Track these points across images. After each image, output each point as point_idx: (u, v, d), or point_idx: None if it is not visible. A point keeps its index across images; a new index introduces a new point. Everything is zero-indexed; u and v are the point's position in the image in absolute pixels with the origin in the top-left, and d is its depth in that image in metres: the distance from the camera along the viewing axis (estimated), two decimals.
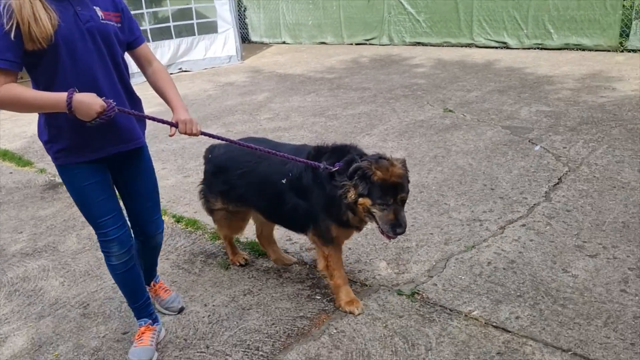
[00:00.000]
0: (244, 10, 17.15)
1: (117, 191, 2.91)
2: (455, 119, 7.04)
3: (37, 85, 2.52)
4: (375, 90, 9.11)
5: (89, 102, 2.41)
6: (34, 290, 3.82)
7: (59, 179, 5.41)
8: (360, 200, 2.89)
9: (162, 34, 12.50)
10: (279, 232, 4.08)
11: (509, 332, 2.98)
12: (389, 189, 2.86)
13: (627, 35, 10.24)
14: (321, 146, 3.25)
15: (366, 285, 3.53)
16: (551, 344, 2.85)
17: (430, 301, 3.31)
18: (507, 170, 5.21)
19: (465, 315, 3.15)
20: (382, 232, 2.94)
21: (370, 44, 14.32)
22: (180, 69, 12.70)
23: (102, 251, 2.89)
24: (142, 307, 3.09)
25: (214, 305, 3.46)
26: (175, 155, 6.51)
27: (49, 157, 2.73)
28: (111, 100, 2.50)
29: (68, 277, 3.95)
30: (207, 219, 4.56)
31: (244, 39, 16.66)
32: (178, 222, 4.67)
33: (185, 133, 2.76)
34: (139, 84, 3.06)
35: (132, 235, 2.97)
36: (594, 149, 5.54)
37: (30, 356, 3.13)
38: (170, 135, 2.81)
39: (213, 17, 13.22)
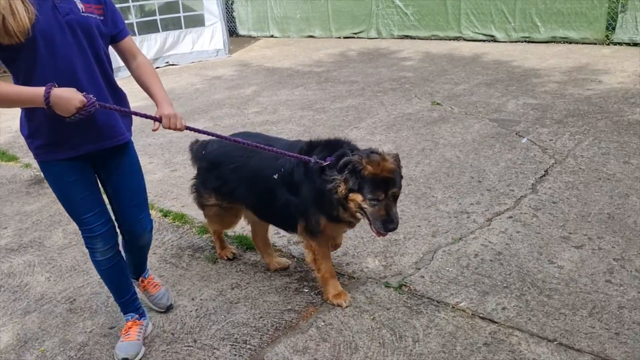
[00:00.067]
0: (232, 4, 17.05)
1: (102, 188, 2.87)
2: (443, 112, 7.06)
3: (17, 80, 2.46)
4: (363, 83, 9.10)
5: (68, 97, 2.34)
6: (19, 285, 3.79)
7: None
8: (351, 195, 2.84)
9: (149, 28, 12.39)
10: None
11: (496, 323, 3.00)
12: (380, 184, 2.80)
13: (614, 29, 10.32)
14: (314, 141, 3.20)
15: (354, 278, 3.54)
16: (537, 334, 2.87)
17: (417, 293, 3.32)
18: (494, 162, 5.23)
19: (453, 307, 3.16)
20: (373, 229, 2.89)
21: (358, 38, 14.30)
22: (167, 62, 12.60)
23: (87, 247, 2.87)
24: (128, 302, 3.07)
25: (201, 299, 3.45)
26: (162, 150, 6.48)
27: None
28: (91, 96, 2.43)
29: (54, 273, 3.92)
30: (194, 213, 4.55)
31: (232, 32, 16.58)
32: (165, 216, 4.65)
33: (169, 128, 2.70)
34: (125, 78, 3.02)
35: (117, 231, 2.94)
36: (580, 141, 5.58)
37: (15, 352, 3.11)
38: (154, 130, 2.74)
39: (200, 11, 13.13)
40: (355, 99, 8.10)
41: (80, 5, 2.49)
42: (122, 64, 2.86)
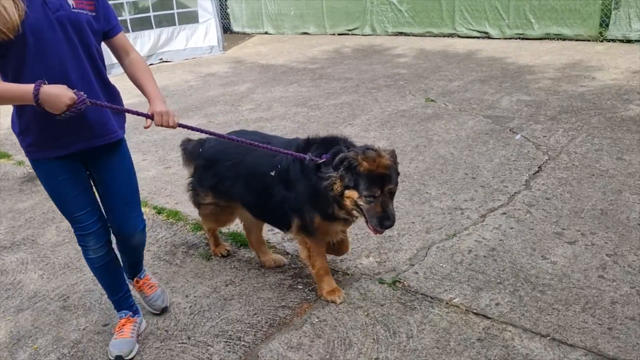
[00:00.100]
0: (226, 0, 16.99)
1: (93, 187, 2.85)
2: (437, 109, 7.07)
3: (6, 77, 2.43)
4: (357, 80, 9.10)
5: (58, 94, 2.31)
6: (12, 283, 3.77)
7: None
8: (347, 192, 2.81)
9: (142, 24, 12.33)
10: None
11: (489, 318, 3.01)
12: (376, 181, 2.77)
13: (607, 25, 10.34)
14: (311, 138, 3.16)
15: (348, 274, 3.54)
16: (530, 329, 2.88)
17: (411, 289, 3.32)
18: (488, 159, 5.24)
19: (446, 303, 3.17)
20: (370, 226, 2.86)
21: (352, 34, 14.29)
22: (160, 59, 12.55)
23: (79, 245, 2.86)
24: (122, 299, 3.07)
25: (195, 296, 3.44)
26: (156, 147, 6.46)
27: None
28: (82, 93, 2.40)
29: (47, 270, 3.90)
30: (188, 210, 4.54)
31: (226, 29, 16.53)
32: (159, 213, 4.64)
33: (162, 125, 2.66)
34: (118, 75, 3.00)
35: (110, 229, 2.92)
36: (574, 137, 5.60)
37: (9, 350, 3.10)
38: (146, 127, 2.70)
39: (194, 7, 13.08)
40: (350, 96, 8.10)
41: (71, 1, 2.46)
42: (115, 60, 2.83)
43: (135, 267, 3.24)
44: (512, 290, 3.22)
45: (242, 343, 2.98)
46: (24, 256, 4.12)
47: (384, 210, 2.79)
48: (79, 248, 2.90)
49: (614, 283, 3.22)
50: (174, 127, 2.70)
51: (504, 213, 4.16)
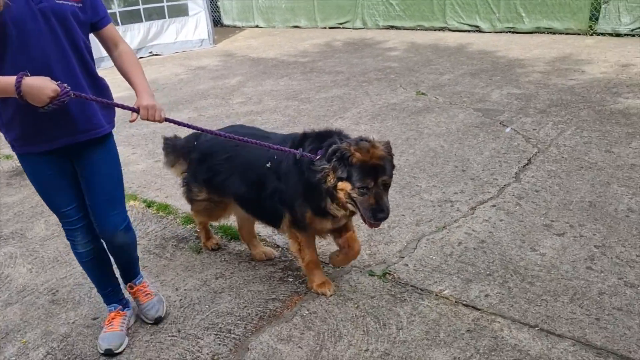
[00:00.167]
0: None
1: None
2: (428, 102, 7.07)
3: None
4: (348, 73, 9.09)
5: (40, 85, 2.27)
6: (0, 277, 3.74)
7: None
8: (340, 184, 2.75)
9: (132, 17, 12.25)
10: None
11: (479, 309, 3.02)
12: (369, 172, 2.70)
13: (597, 19, 10.39)
14: (308, 132, 3.10)
15: (338, 267, 3.54)
16: (519, 320, 2.90)
17: (401, 281, 3.33)
18: (478, 152, 5.26)
19: (436, 295, 3.18)
20: (365, 220, 2.80)
21: (343, 28, 14.26)
22: (150, 52, 12.48)
23: (67, 239, 2.85)
24: (111, 293, 3.06)
25: (185, 290, 3.43)
26: (146, 140, 6.42)
27: None
28: (65, 85, 2.35)
29: (36, 264, 3.88)
30: (178, 204, 4.52)
31: (216, 22, 16.45)
32: (149, 207, 4.62)
33: (147, 119, 2.61)
34: (108, 69, 2.96)
35: None
36: (563, 130, 5.63)
37: None
38: (131, 121, 2.65)
39: (184, 0, 12.99)
40: (340, 89, 8.09)
41: None
42: (105, 53, 2.78)
43: (127, 270, 3.11)
44: (501, 282, 3.24)
45: (232, 335, 2.98)
46: (12, 250, 4.09)
47: (378, 202, 2.72)
48: (68, 242, 2.89)
49: (602, 274, 3.24)
50: (160, 122, 2.67)
51: (494, 205, 4.18)
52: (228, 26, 16.88)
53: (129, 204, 4.66)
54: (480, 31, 11.87)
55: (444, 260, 3.51)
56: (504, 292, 3.14)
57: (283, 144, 3.08)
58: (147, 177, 5.30)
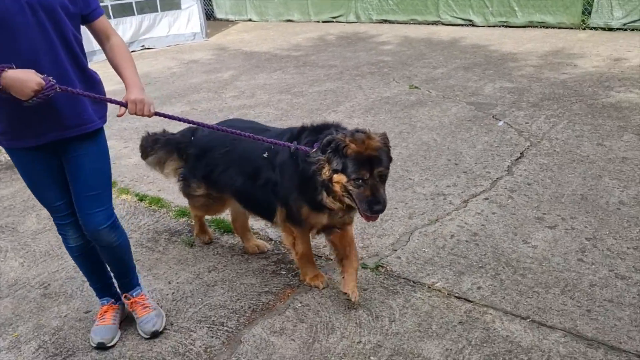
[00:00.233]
0: None
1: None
2: (421, 96, 7.08)
3: None
4: (341, 67, 9.07)
5: (23, 78, 2.22)
6: None
7: None
8: (335, 177, 2.70)
9: (124, 11, 12.17)
10: None
11: (471, 302, 3.03)
12: (365, 163, 2.65)
13: (589, 13, 10.41)
14: (305, 126, 3.06)
15: (331, 260, 3.53)
16: (510, 312, 2.92)
17: (394, 274, 3.34)
18: (471, 145, 5.27)
19: (429, 287, 3.19)
20: (361, 213, 2.74)
21: (337, 22, 14.23)
22: (142, 46, 12.41)
23: (59, 233, 2.83)
24: (103, 286, 3.04)
25: (178, 283, 3.43)
26: (138, 134, 6.35)
27: None
28: (50, 78, 2.30)
29: (28, 258, 3.86)
30: (171, 197, 4.51)
31: (209, 16, 16.37)
32: (141, 200, 4.60)
33: (136, 114, 2.55)
34: (100, 62, 2.92)
35: None
36: (555, 124, 5.64)
37: None
38: (119, 115, 2.58)
39: None
40: (334, 83, 8.08)
41: None
42: (97, 47, 2.72)
43: (122, 278, 3.00)
44: (493, 274, 3.26)
45: (225, 328, 2.98)
46: (3, 244, 4.07)
47: (374, 194, 2.66)
48: (60, 236, 2.87)
49: (593, 266, 3.26)
50: (149, 116, 2.61)
51: (486, 198, 4.19)
52: (221, 20, 16.80)
53: (121, 198, 4.65)
54: (473, 25, 11.87)
55: (436, 253, 3.52)
56: (496, 284, 3.16)
57: (281, 137, 3.05)
58: (139, 170, 5.28)
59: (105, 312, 3.00)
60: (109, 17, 11.29)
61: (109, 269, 3.02)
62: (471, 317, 2.91)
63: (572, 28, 10.58)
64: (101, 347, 2.89)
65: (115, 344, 2.92)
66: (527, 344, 2.68)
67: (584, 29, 10.44)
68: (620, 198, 4.02)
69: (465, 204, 4.14)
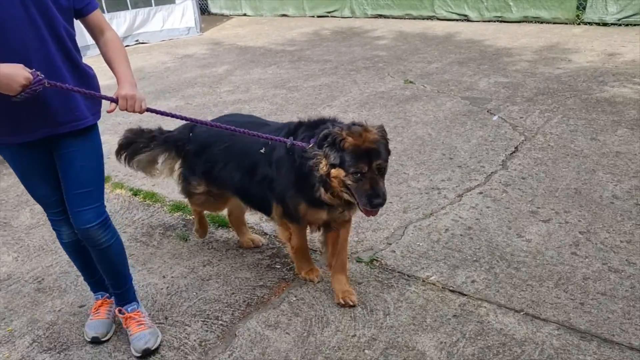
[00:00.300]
0: None
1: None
2: (416, 90, 7.08)
3: None
4: (336, 62, 9.06)
5: (10, 73, 2.16)
6: None
7: None
8: (333, 172, 2.65)
9: (118, 5, 12.09)
10: None
11: (465, 295, 3.04)
12: (363, 156, 2.59)
13: (584, 8, 10.44)
14: (302, 121, 3.01)
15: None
16: (505, 305, 2.93)
17: (388, 268, 3.35)
18: (465, 139, 5.28)
19: (423, 281, 3.20)
20: (361, 208, 2.69)
21: (332, 17, 14.20)
22: (137, 40, 12.35)
23: (53, 229, 2.81)
24: (98, 281, 3.02)
25: (172, 277, 3.42)
26: None
27: None
28: (39, 72, 2.25)
29: (22, 252, 3.85)
30: (165, 192, 4.50)
31: (203, 10, 16.29)
32: (135, 195, 4.59)
33: (126, 110, 2.49)
34: (95, 56, 2.89)
35: None
36: (550, 118, 5.66)
37: None
38: (108, 112, 2.51)
39: None
40: (329, 78, 8.07)
41: None
42: (91, 42, 2.67)
43: (115, 287, 2.86)
44: (487, 268, 3.27)
45: (220, 322, 2.98)
46: None
47: (373, 187, 2.60)
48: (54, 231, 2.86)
49: (587, 260, 3.28)
50: (140, 113, 2.55)
51: (481, 192, 4.20)
52: (215, 14, 16.73)
53: (115, 192, 4.64)
54: (468, 20, 11.87)
55: (431, 247, 3.53)
56: (490, 278, 3.17)
57: (280, 131, 3.02)
58: None
59: (100, 306, 2.99)
60: (103, 12, 11.17)
61: None
62: (465, 310, 2.92)
63: (566, 23, 10.60)
64: (95, 341, 2.88)
65: (109, 338, 2.91)
66: (520, 337, 2.69)
67: (579, 24, 10.47)
68: (614, 192, 4.04)
69: (459, 198, 4.15)
